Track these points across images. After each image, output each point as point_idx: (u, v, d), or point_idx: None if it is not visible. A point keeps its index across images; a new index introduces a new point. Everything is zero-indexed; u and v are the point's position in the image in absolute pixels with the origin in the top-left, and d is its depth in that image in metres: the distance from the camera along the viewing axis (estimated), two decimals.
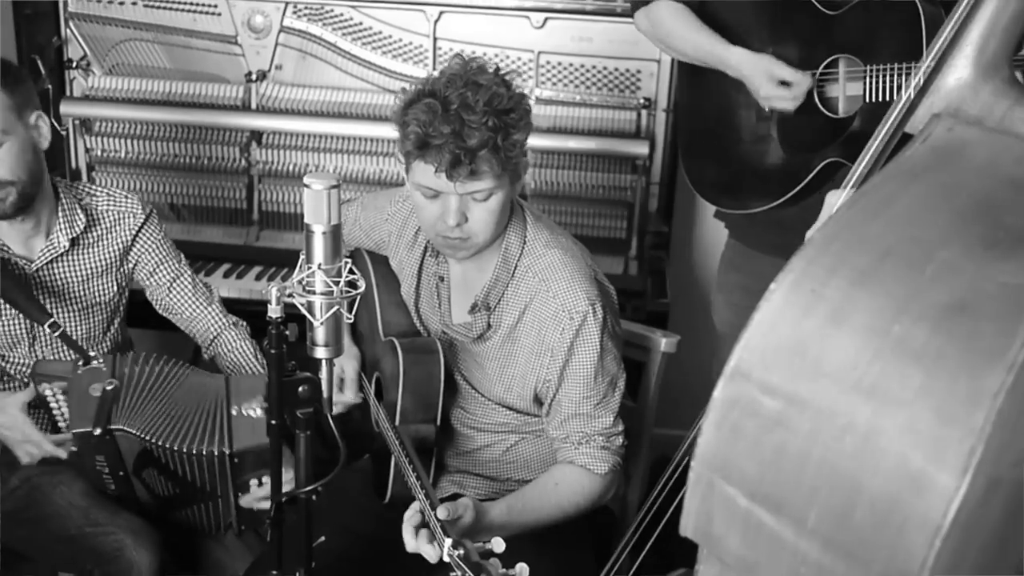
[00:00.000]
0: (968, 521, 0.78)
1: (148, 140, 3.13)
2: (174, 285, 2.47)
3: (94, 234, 2.39)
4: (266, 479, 2.17)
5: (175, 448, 2.09)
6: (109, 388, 2.15)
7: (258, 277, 3.03)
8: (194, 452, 2.09)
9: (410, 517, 1.88)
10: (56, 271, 2.35)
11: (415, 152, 1.98)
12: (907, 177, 0.98)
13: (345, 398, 2.34)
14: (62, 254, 2.34)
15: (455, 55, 2.06)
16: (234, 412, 2.14)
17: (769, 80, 2.27)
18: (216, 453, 2.09)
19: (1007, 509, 0.82)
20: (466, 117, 1.92)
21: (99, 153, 3.15)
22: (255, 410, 2.09)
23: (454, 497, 2.13)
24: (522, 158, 2.05)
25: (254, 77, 3.10)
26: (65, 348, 2.31)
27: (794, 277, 0.91)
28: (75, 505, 2.25)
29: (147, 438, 2.10)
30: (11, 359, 2.35)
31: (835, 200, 1.32)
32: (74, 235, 2.34)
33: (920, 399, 0.81)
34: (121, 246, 2.42)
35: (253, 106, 3.09)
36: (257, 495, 2.18)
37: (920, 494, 0.79)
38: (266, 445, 2.07)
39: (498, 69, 2.03)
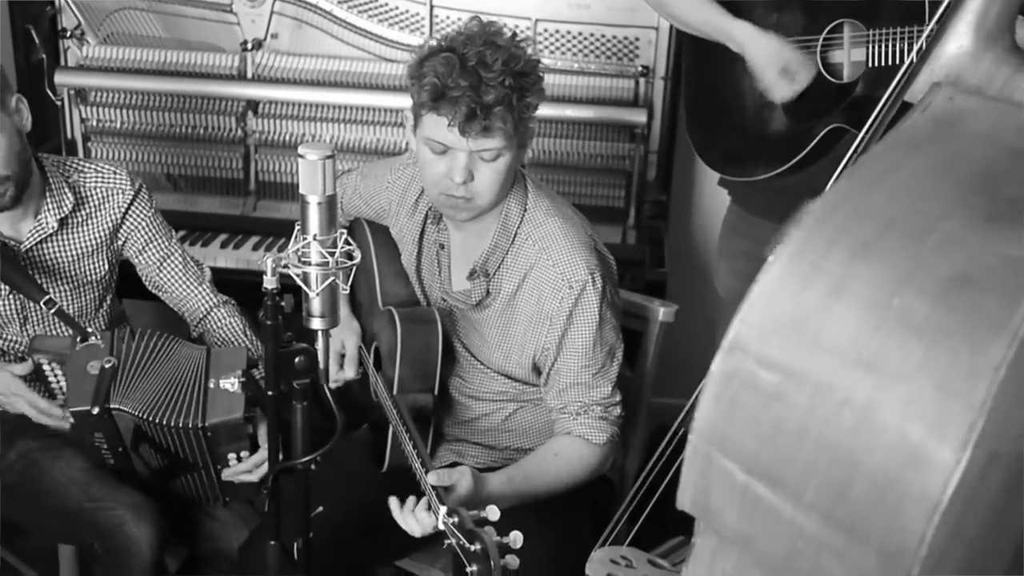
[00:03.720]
0: (967, 497, 0.78)
1: (144, 110, 3.10)
2: (164, 264, 2.44)
3: (83, 213, 2.35)
4: (244, 454, 2.18)
5: (155, 421, 2.09)
6: (107, 366, 2.14)
7: (255, 247, 3.02)
8: (171, 424, 2.09)
9: (410, 512, 1.89)
10: (46, 252, 2.32)
11: (429, 104, 1.97)
12: (908, 147, 0.98)
13: (345, 375, 2.34)
14: (51, 234, 2.30)
15: (473, 17, 2.05)
16: (212, 385, 2.13)
17: (774, 66, 2.25)
18: (190, 426, 2.09)
19: (1005, 484, 0.82)
20: (483, 74, 1.93)
21: (94, 123, 3.12)
22: (232, 384, 2.09)
23: (453, 466, 2.13)
24: (531, 124, 2.05)
25: (250, 46, 3.07)
26: (59, 325, 2.29)
27: (793, 249, 0.90)
28: (74, 480, 2.24)
29: (137, 414, 2.10)
30: (7, 336, 2.34)
31: None
32: (62, 215, 2.30)
33: (921, 373, 0.80)
34: (111, 224, 2.38)
35: (249, 75, 3.07)
36: (238, 469, 2.19)
37: (919, 469, 0.79)
38: (240, 419, 2.08)
39: (515, 34, 2.02)
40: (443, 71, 1.94)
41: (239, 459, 2.18)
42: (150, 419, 2.09)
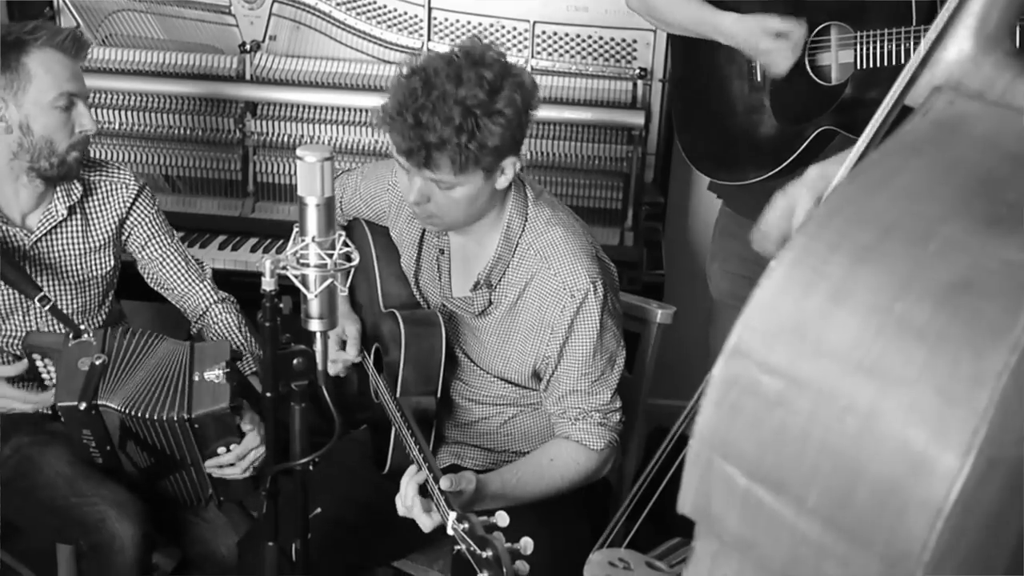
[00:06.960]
0: (968, 501, 0.78)
1: (142, 111, 3.10)
2: (166, 261, 2.47)
3: (90, 204, 2.38)
4: (233, 446, 2.18)
5: (140, 416, 2.09)
6: (97, 363, 2.14)
7: (253, 249, 3.02)
8: (156, 418, 2.09)
9: (411, 477, 1.89)
10: (54, 244, 2.34)
11: (386, 122, 1.97)
12: (908, 152, 0.97)
13: (348, 356, 2.33)
14: (60, 224, 2.33)
15: (471, 37, 2.03)
16: (196, 378, 2.13)
17: (764, 35, 2.26)
18: (176, 418, 2.09)
19: (1005, 487, 0.82)
20: (438, 108, 1.89)
21: None
22: (217, 375, 2.08)
23: (452, 468, 2.14)
24: (502, 159, 2.00)
25: (248, 48, 3.08)
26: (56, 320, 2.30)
27: (795, 254, 0.90)
28: (61, 475, 2.25)
29: (122, 409, 2.10)
30: (3, 331, 2.34)
31: (815, 173, 1.30)
32: (71, 203, 2.33)
33: (923, 378, 0.80)
34: (117, 218, 2.42)
35: (247, 77, 3.07)
36: (222, 461, 2.18)
37: (922, 475, 0.79)
38: (227, 410, 2.09)
39: (504, 61, 1.98)
40: (400, 99, 1.93)
41: (228, 450, 2.18)
42: (135, 414, 2.09)
